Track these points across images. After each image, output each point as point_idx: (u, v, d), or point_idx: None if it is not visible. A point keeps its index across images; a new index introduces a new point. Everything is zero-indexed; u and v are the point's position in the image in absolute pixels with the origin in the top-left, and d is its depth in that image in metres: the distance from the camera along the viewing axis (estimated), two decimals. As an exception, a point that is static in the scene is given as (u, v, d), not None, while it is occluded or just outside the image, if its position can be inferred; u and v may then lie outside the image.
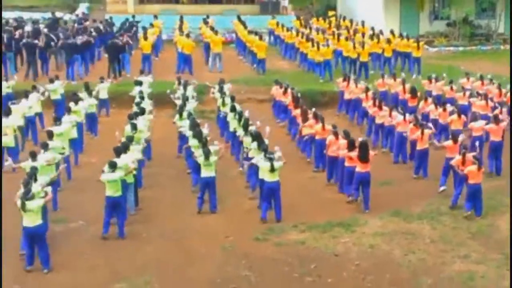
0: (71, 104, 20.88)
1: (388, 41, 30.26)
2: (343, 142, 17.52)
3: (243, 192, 17.81)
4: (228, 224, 15.89)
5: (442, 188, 17.53)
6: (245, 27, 33.59)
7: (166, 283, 13.11)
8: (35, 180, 14.34)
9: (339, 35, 31.31)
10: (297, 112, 21.45)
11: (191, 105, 21.57)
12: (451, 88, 24.12)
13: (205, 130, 18.18)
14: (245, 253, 14.22)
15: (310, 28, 34.43)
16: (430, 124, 19.65)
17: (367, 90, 23.18)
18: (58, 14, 39.52)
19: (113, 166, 15.04)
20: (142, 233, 15.38)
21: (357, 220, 15.88)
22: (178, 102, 21.62)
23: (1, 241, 13.84)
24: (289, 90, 23.46)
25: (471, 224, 15.54)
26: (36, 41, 28.59)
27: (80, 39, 28.70)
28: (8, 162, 16.52)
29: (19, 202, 13.27)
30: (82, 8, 43.17)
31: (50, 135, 17.64)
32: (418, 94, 23.63)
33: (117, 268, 13.64)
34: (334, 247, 14.49)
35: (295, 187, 18.25)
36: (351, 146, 16.93)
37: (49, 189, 14.43)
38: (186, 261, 14.00)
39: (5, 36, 29.17)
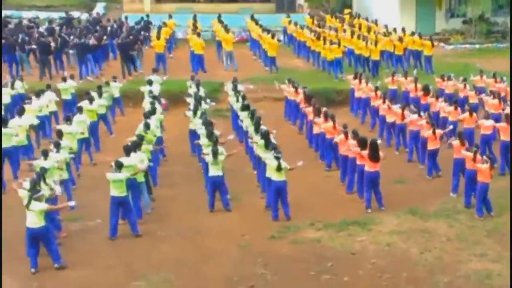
0: (84, 103, 20.96)
1: (400, 39, 30.23)
2: (352, 142, 17.49)
3: (258, 191, 17.83)
4: (243, 223, 15.93)
5: (453, 195, 17.38)
6: (260, 25, 33.52)
7: (183, 281, 13.17)
8: (44, 180, 14.34)
9: (352, 32, 31.29)
10: (308, 109, 21.46)
11: (205, 105, 21.61)
12: (465, 86, 23.96)
13: (216, 131, 18.19)
14: (261, 251, 14.26)
15: (323, 26, 34.41)
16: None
17: (376, 89, 23.11)
18: (75, 14, 39.80)
19: (119, 166, 15.07)
20: (158, 231, 15.46)
21: (373, 219, 15.87)
22: (190, 100, 21.72)
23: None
24: (300, 89, 23.41)
25: (487, 223, 15.50)
26: (50, 41, 28.75)
27: (91, 40, 28.77)
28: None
29: (25, 200, 13.33)
30: (99, 8, 43.36)
31: (60, 134, 17.76)
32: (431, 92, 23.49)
33: (134, 266, 13.72)
34: (351, 246, 14.51)
35: (310, 186, 18.29)
36: (362, 144, 16.89)
37: (58, 189, 14.49)
38: (203, 259, 14.05)
39: (20, 36, 29.42)
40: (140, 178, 16.13)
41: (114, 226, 14.99)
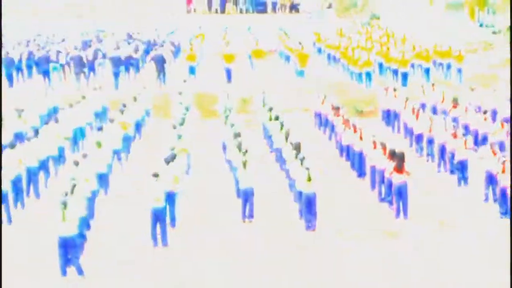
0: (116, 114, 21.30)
1: (428, 51, 30.30)
2: (378, 153, 17.62)
3: (288, 200, 17.96)
4: (272, 232, 16.01)
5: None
6: (288, 37, 33.86)
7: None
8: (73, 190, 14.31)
9: (381, 44, 31.42)
10: (337, 120, 21.61)
11: (234, 115, 21.85)
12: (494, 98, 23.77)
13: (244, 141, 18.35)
14: (289, 261, 14.37)
15: (352, 38, 34.62)
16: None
17: (406, 100, 23.18)
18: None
19: (155, 176, 15.19)
20: (188, 241, 15.60)
21: (402, 228, 15.94)
22: (219, 111, 22.06)
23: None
24: (326, 100, 23.55)
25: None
26: (85, 54, 29.33)
27: (124, 53, 29.18)
28: None
29: (59, 211, 13.42)
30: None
31: (99, 144, 18.05)
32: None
33: (164, 276, 13.84)
34: (379, 255, 14.59)
35: (340, 195, 18.37)
36: (391, 155, 16.99)
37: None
38: (232, 269, 14.17)
39: (53, 48, 30.05)
40: (178, 189, 16.27)
41: (155, 236, 15.07)
